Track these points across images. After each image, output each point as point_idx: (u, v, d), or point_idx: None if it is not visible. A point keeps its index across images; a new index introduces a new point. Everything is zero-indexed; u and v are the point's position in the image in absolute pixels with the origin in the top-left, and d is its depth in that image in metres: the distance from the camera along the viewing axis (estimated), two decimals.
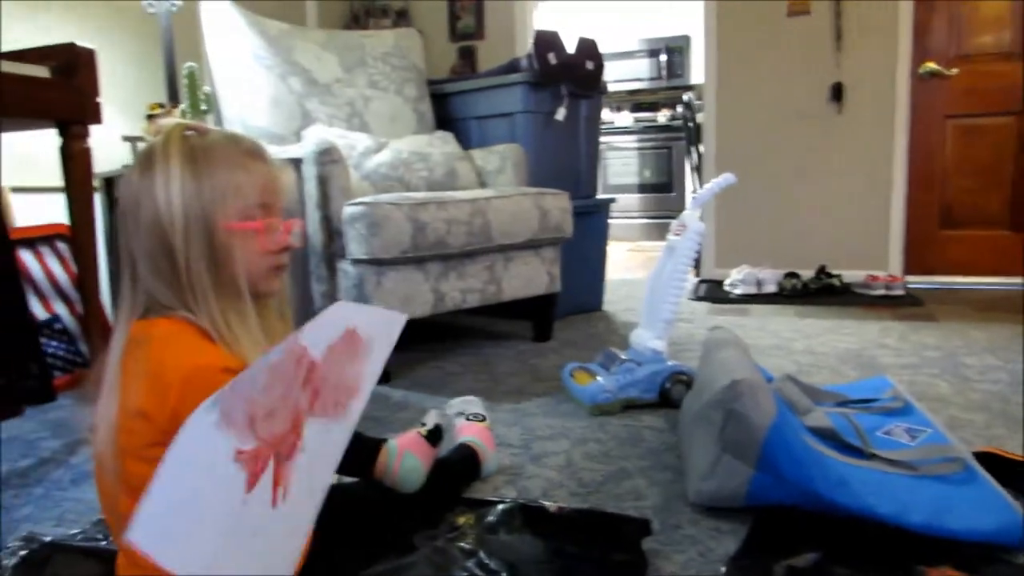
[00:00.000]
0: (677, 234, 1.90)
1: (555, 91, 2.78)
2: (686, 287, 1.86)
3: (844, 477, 1.15)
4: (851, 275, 3.53)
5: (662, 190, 6.07)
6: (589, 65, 2.81)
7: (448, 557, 1.11)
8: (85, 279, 1.83)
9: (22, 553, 1.14)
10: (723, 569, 1.06)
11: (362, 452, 1.19)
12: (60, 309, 2.32)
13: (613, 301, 3.32)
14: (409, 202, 2.08)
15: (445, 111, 2.98)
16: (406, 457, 1.19)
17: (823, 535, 1.12)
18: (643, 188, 6.08)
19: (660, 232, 6.05)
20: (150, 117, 2.15)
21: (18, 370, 2.03)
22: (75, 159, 1.76)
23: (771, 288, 3.42)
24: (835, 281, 3.40)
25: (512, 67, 2.81)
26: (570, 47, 2.81)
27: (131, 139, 2.25)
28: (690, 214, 1.88)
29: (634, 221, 6.08)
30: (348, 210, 2.04)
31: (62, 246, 2.40)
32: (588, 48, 2.81)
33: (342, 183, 2.10)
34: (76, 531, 1.24)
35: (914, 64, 3.49)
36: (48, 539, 1.18)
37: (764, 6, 3.70)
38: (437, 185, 2.53)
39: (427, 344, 2.58)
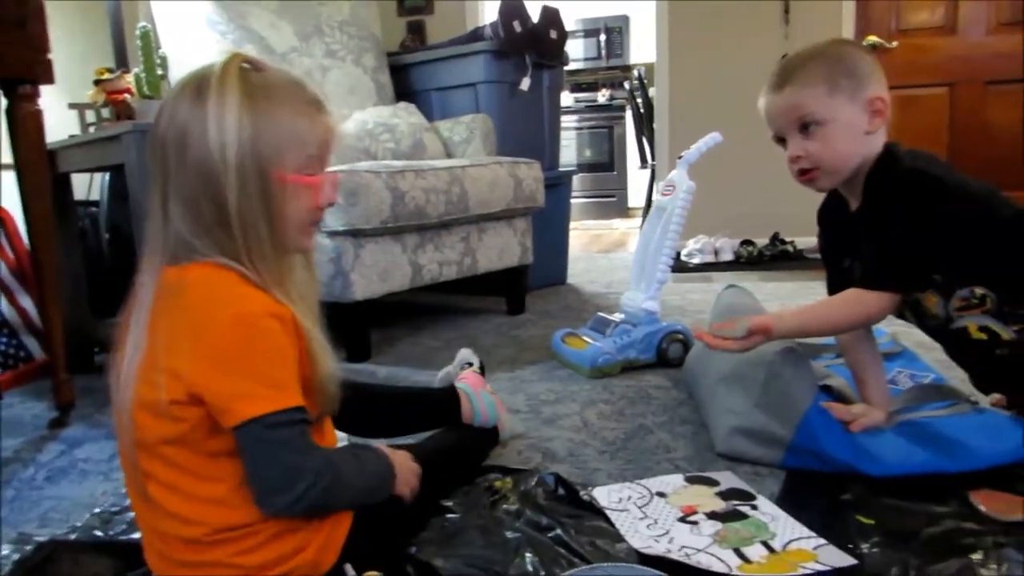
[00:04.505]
0: (665, 194, 1.90)
1: (519, 61, 2.72)
2: (677, 247, 1.84)
3: (876, 453, 1.12)
4: (803, 241, 3.61)
5: (603, 169, 6.10)
6: (553, 34, 2.76)
7: (495, 520, 1.05)
8: (41, 260, 1.63)
9: (16, 557, 1.02)
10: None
11: (445, 402, 1.21)
12: None
13: (573, 275, 3.30)
14: (388, 170, 2.00)
15: (403, 83, 2.88)
16: (483, 395, 1.24)
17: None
18: (583, 167, 6.09)
19: (601, 211, 6.07)
20: (98, 82, 1.97)
21: None
22: (25, 123, 1.56)
23: (728, 256, 3.47)
24: (789, 247, 3.48)
25: (475, 36, 2.74)
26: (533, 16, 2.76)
27: (79, 107, 2.07)
28: (679, 174, 1.88)
29: (575, 200, 6.06)
30: None
31: None
32: (552, 17, 2.76)
33: None
34: (68, 529, 1.12)
35: (857, 37, 3.59)
36: (42, 538, 1.06)
37: None
38: (404, 157, 2.44)
39: (404, 321, 2.50)
